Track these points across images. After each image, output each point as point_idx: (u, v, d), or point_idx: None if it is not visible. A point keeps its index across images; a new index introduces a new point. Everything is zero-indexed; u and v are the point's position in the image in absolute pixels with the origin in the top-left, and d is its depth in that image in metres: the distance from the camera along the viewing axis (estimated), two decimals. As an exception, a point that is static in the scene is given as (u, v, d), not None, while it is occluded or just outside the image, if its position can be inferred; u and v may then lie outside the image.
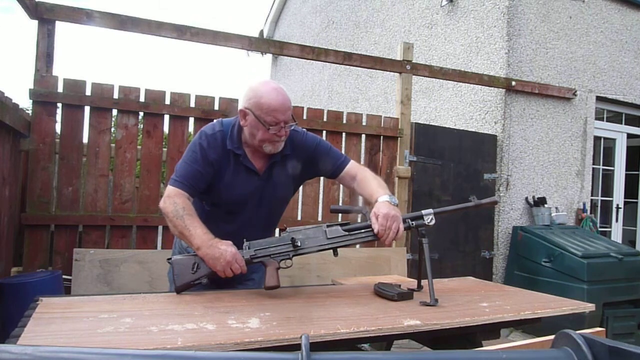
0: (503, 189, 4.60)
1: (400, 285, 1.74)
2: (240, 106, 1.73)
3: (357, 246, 3.83)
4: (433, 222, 1.68)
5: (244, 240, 1.62)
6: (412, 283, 1.89)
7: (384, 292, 1.69)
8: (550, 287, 3.75)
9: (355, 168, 1.91)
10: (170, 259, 1.66)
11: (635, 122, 5.84)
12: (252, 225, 1.80)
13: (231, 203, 1.77)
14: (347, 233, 1.65)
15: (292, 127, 1.74)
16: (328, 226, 1.64)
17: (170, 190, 1.68)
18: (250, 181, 1.76)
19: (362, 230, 1.66)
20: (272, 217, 1.92)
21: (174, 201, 1.64)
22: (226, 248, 1.56)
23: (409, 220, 1.69)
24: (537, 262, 4.13)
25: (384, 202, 1.68)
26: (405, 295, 1.67)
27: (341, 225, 1.65)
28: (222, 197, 1.75)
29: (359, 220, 3.34)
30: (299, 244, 1.63)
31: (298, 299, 1.64)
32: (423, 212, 1.69)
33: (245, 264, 1.59)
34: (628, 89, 5.48)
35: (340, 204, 3.78)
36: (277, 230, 2.02)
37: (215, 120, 1.84)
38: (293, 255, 1.66)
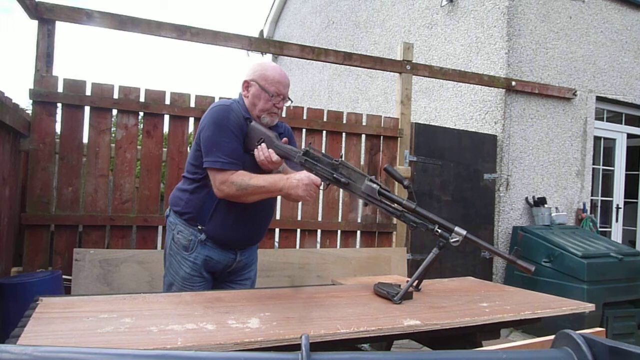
0: (503, 189, 4.60)
1: (400, 285, 1.74)
2: (244, 78, 1.87)
3: (357, 246, 3.84)
4: (457, 244, 1.67)
5: (303, 149, 1.72)
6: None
7: (384, 292, 1.70)
8: (550, 287, 3.75)
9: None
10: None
11: (635, 122, 5.84)
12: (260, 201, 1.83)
13: (245, 163, 1.84)
14: (379, 195, 1.69)
15: (288, 104, 1.96)
16: (370, 180, 1.69)
17: (221, 176, 1.73)
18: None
19: (392, 204, 1.70)
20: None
21: (232, 182, 1.71)
22: (299, 178, 1.66)
23: (436, 226, 1.68)
24: (537, 262, 4.12)
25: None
26: (406, 295, 1.67)
27: (380, 186, 1.70)
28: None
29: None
30: (337, 177, 1.70)
31: (298, 299, 1.65)
32: (456, 228, 1.67)
33: (318, 179, 1.68)
34: (628, 89, 5.48)
35: (340, 203, 3.78)
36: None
37: (222, 99, 1.95)
38: (329, 184, 1.73)
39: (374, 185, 1.67)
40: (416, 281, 1.83)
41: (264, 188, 1.69)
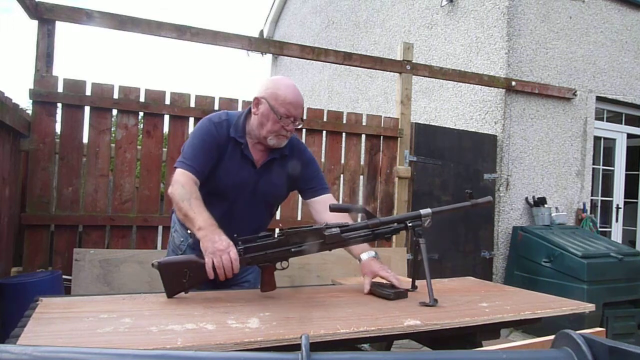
0: (503, 189, 4.60)
1: (393, 285, 1.74)
2: (255, 95, 1.77)
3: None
4: (430, 223, 1.67)
5: (238, 242, 1.57)
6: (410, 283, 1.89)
7: (379, 292, 1.69)
8: (550, 287, 3.75)
9: (331, 201, 1.89)
10: (154, 263, 1.55)
11: (635, 122, 5.84)
12: (243, 220, 1.78)
13: (225, 191, 1.76)
14: (345, 235, 1.62)
15: (299, 126, 1.81)
16: (327, 228, 1.61)
17: (178, 174, 1.68)
18: (246, 171, 1.78)
19: (360, 232, 1.65)
20: (263, 215, 1.92)
21: (182, 186, 1.63)
22: (226, 238, 1.52)
23: (406, 221, 1.68)
24: (537, 262, 4.12)
25: (373, 260, 1.76)
26: (401, 295, 1.66)
27: (340, 226, 1.63)
28: (217, 182, 1.75)
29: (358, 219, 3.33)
30: (295, 250, 1.59)
31: (298, 299, 1.64)
32: (421, 211, 1.67)
33: (239, 263, 1.52)
34: (628, 89, 5.48)
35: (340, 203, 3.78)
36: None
37: (221, 111, 1.89)
38: (289, 257, 1.63)
39: (334, 230, 1.60)
40: (415, 280, 1.83)
41: (190, 213, 1.57)
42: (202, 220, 1.55)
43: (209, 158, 1.72)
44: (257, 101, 1.75)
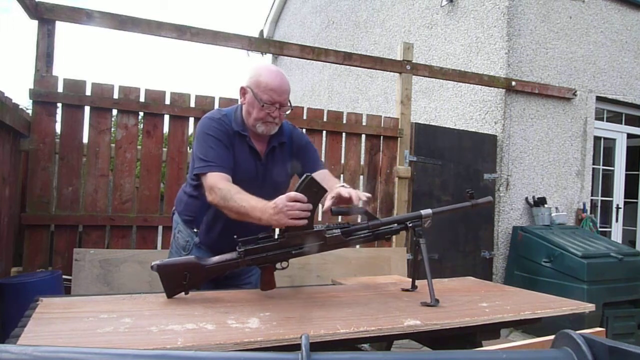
0: (503, 189, 4.60)
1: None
2: (241, 84, 1.77)
3: (357, 246, 3.84)
4: (430, 224, 1.67)
5: (238, 244, 1.56)
6: (410, 283, 1.89)
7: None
8: (550, 287, 3.75)
9: (326, 173, 1.90)
10: (153, 265, 1.54)
11: (635, 122, 5.84)
12: None
13: (237, 185, 1.73)
14: (345, 236, 1.62)
15: (288, 112, 1.80)
16: (327, 230, 1.61)
17: (210, 179, 1.63)
18: (253, 162, 1.78)
19: (361, 233, 1.65)
20: None
21: (219, 188, 1.59)
22: (276, 203, 1.48)
23: (406, 222, 1.68)
24: (537, 262, 4.12)
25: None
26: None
27: (340, 227, 1.63)
28: (232, 178, 1.73)
29: (358, 219, 3.33)
30: (296, 252, 1.59)
31: (298, 299, 1.64)
32: (422, 212, 1.68)
33: (302, 197, 1.48)
34: (628, 89, 5.48)
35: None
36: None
37: (214, 109, 1.88)
38: (290, 258, 1.63)
39: (335, 232, 1.60)
40: (415, 280, 1.84)
41: (242, 209, 1.53)
42: (256, 211, 1.50)
43: (228, 150, 1.71)
44: (243, 90, 1.76)
